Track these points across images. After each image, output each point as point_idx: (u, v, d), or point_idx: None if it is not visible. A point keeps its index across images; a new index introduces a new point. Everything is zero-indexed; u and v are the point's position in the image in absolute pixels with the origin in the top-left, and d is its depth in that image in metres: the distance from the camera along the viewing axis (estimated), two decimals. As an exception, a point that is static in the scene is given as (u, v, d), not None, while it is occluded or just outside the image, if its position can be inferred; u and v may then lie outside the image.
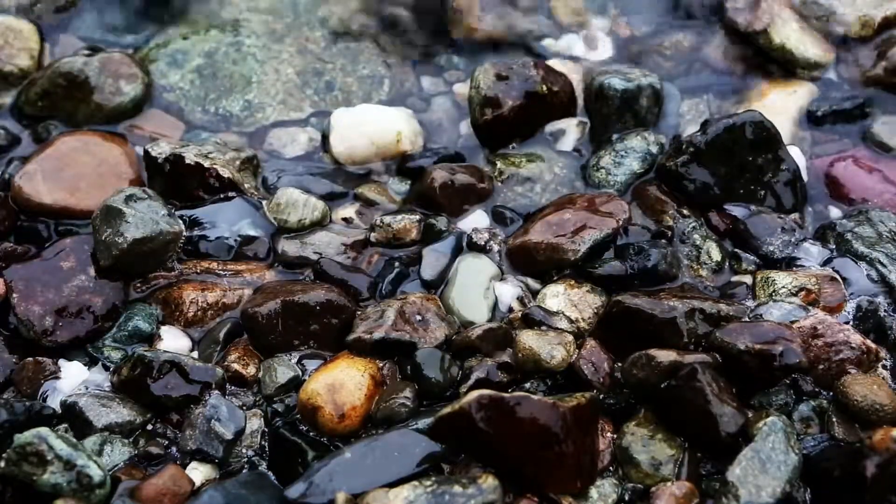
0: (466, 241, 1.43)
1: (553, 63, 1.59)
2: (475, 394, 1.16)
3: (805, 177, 1.48)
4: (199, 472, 1.22)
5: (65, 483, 1.13)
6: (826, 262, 1.39)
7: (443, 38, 1.67)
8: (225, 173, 1.42)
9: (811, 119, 1.57)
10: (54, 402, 1.28)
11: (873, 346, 1.29)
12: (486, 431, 1.15)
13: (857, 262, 1.38)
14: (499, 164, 1.52)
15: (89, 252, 1.38)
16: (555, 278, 1.38)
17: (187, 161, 1.42)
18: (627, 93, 1.52)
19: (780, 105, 1.56)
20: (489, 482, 1.12)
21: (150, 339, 1.34)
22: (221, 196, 1.44)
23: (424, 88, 1.63)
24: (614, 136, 1.52)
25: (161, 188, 1.43)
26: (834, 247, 1.41)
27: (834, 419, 1.24)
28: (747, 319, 1.29)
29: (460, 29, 1.67)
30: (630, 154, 1.49)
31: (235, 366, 1.30)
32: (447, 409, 1.17)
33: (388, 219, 1.44)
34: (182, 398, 1.26)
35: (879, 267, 1.36)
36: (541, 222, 1.41)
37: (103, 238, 1.35)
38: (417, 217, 1.45)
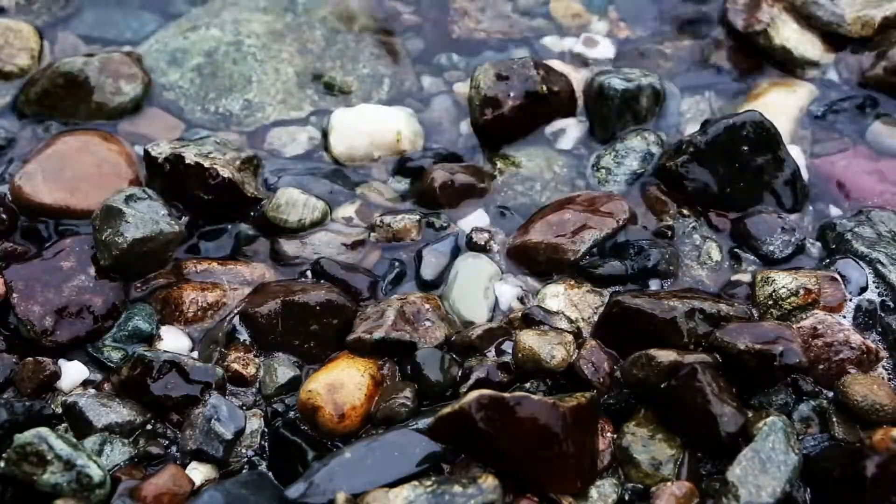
0: (466, 240, 1.43)
1: (553, 63, 1.59)
2: (475, 394, 1.16)
3: (805, 176, 1.48)
4: (199, 472, 1.22)
5: (65, 483, 1.13)
6: (826, 262, 1.40)
7: (443, 37, 1.67)
8: (225, 173, 1.42)
9: (811, 118, 1.57)
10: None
11: (873, 346, 1.29)
12: (486, 431, 1.15)
13: (857, 263, 1.38)
14: (499, 164, 1.52)
15: (89, 252, 1.38)
16: (555, 278, 1.38)
17: (187, 161, 1.42)
18: (627, 93, 1.52)
19: (781, 104, 1.56)
20: (489, 482, 1.12)
21: (150, 339, 1.35)
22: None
23: (424, 88, 1.62)
24: (614, 136, 1.52)
25: (161, 188, 1.43)
26: (834, 246, 1.41)
27: (834, 419, 1.24)
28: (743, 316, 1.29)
29: (461, 28, 1.67)
30: (630, 154, 1.49)
31: (235, 366, 1.30)
32: (447, 409, 1.17)
33: (388, 218, 1.44)
34: (182, 398, 1.26)
35: (879, 267, 1.36)
36: (541, 222, 1.41)
37: (103, 238, 1.35)
38: (417, 217, 1.45)
